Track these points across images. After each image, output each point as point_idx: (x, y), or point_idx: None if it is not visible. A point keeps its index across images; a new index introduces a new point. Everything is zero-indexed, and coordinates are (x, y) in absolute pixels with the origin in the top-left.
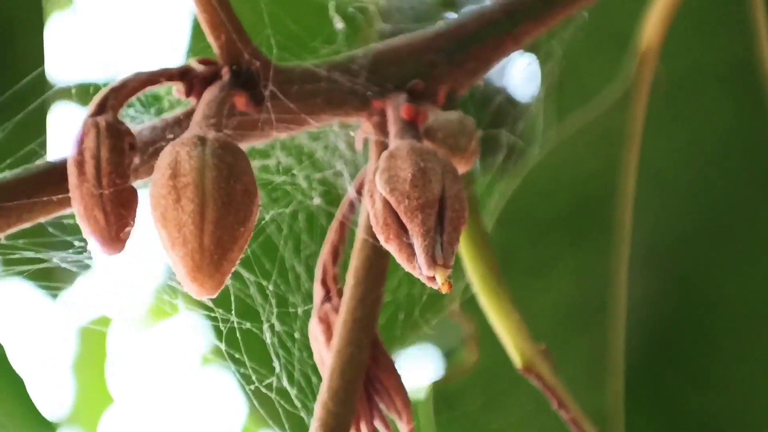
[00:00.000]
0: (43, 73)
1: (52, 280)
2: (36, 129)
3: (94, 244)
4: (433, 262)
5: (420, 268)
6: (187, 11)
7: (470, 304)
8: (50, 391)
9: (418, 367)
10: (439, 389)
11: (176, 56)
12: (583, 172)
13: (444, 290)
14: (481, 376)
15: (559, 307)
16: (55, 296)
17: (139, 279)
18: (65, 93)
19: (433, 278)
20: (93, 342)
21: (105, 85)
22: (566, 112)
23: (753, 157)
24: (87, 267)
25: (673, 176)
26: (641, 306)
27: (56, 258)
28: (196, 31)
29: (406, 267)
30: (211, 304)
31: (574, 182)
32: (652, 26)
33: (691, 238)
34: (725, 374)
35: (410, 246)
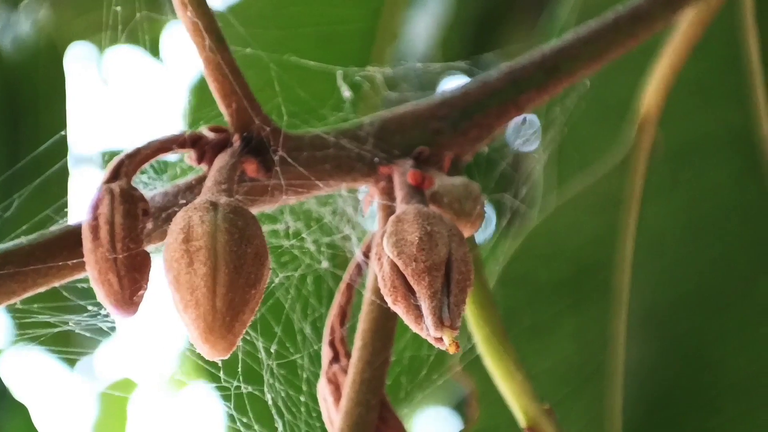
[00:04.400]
0: (64, 141)
1: (69, 345)
2: (54, 195)
3: (108, 308)
4: (440, 323)
5: (428, 329)
6: (187, 81)
7: (474, 364)
8: None
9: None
10: None
11: (176, 124)
12: (582, 236)
13: (451, 351)
14: None
15: (557, 368)
16: (72, 364)
17: (161, 344)
18: (86, 160)
19: (440, 339)
20: (114, 406)
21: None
22: (567, 177)
23: (750, 223)
24: (101, 331)
25: (671, 241)
26: (639, 368)
27: (71, 322)
28: (196, 100)
29: (414, 328)
30: (219, 364)
31: (574, 246)
32: (651, 94)
33: (689, 302)
34: None
35: (418, 308)
